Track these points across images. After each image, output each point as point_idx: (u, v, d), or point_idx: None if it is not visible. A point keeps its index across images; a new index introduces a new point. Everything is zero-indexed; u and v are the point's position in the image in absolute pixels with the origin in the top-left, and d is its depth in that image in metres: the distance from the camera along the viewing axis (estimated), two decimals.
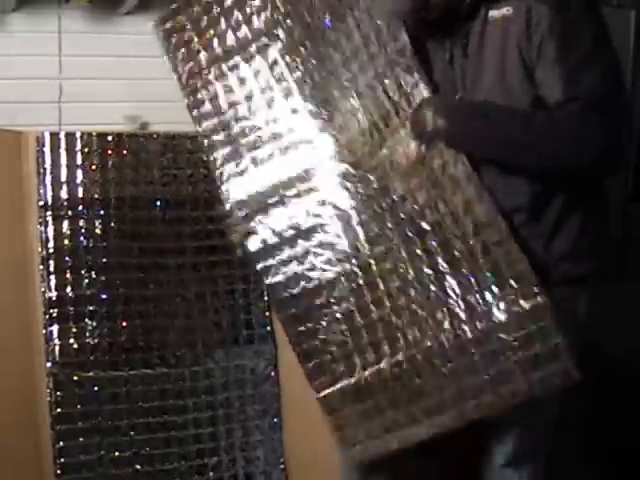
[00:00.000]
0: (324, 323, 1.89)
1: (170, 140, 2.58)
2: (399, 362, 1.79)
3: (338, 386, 1.88)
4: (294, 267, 1.92)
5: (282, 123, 1.94)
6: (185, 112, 2.24)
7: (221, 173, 2.01)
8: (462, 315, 1.71)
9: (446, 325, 1.73)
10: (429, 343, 1.75)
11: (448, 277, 1.72)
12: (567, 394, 1.80)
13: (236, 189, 1.99)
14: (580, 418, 2.61)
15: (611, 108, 1.63)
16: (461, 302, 1.71)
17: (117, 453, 2.39)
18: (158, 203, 2.54)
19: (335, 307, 1.87)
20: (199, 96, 2.04)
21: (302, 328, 1.92)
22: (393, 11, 1.74)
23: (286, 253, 1.93)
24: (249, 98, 1.99)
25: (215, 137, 2.03)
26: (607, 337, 2.71)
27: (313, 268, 1.90)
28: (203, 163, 2.57)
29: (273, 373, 2.57)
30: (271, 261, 1.95)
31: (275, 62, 1.95)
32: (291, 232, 1.92)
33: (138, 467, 2.40)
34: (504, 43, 1.69)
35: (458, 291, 1.71)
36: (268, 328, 2.59)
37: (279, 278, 1.94)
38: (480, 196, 1.68)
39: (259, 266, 1.97)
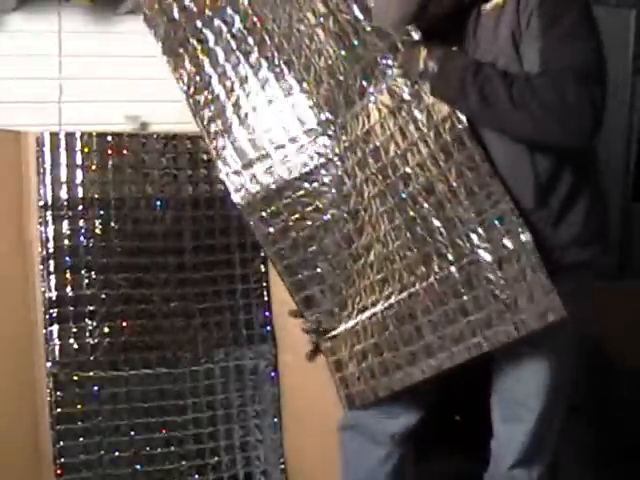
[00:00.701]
0: (319, 270, 1.94)
1: (170, 140, 2.58)
2: (392, 305, 1.83)
3: (338, 330, 1.93)
4: (284, 218, 1.95)
5: (261, 77, 1.96)
6: (185, 112, 2.24)
7: (208, 132, 2.03)
8: (450, 257, 1.73)
9: (435, 267, 1.75)
10: (419, 286, 1.78)
11: (434, 219, 1.73)
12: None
13: (224, 146, 2.01)
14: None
15: (591, 81, 1.61)
16: (448, 243, 1.72)
17: (117, 453, 2.39)
18: (158, 203, 2.54)
19: (328, 255, 1.92)
20: (179, 55, 2.05)
21: (299, 277, 1.96)
22: (395, 20, 1.73)
23: (276, 205, 1.95)
24: (227, 53, 2.00)
25: (198, 96, 2.04)
26: (608, 335, 2.72)
27: (303, 218, 1.93)
28: (203, 163, 2.57)
29: (273, 373, 2.57)
30: (262, 214, 1.97)
31: (246, 12, 1.96)
32: (279, 184, 1.94)
33: (138, 467, 2.41)
34: (495, 33, 1.69)
35: (444, 233, 1.72)
36: (268, 328, 2.58)
37: (271, 230, 1.97)
38: (462, 138, 1.69)
39: (251, 220, 1.99)
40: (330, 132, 1.86)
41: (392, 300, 1.83)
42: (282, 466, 2.55)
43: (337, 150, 1.86)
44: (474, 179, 1.68)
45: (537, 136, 1.65)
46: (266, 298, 2.59)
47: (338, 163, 1.86)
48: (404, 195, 1.76)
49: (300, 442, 2.53)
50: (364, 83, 1.79)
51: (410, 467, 2.04)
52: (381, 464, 1.99)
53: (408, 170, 1.75)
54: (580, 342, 1.73)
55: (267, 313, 2.59)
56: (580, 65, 1.61)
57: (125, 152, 2.51)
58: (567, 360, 1.86)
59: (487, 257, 1.68)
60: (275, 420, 2.56)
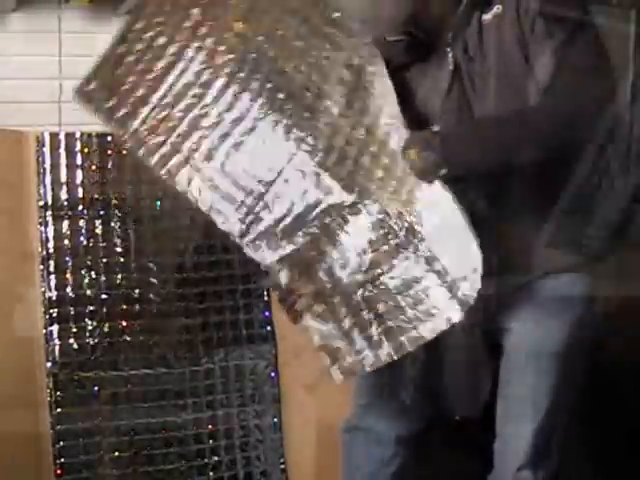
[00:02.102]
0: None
1: None
2: None
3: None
4: None
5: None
6: None
7: None
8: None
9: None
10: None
11: None
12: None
13: None
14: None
15: (603, 72, 1.64)
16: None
17: (117, 453, 2.39)
18: (158, 203, 2.54)
19: None
20: None
21: None
22: (384, 21, 1.73)
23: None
24: None
25: None
26: (608, 336, 2.72)
27: None
28: None
29: (273, 373, 2.57)
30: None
31: None
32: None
33: (138, 467, 2.41)
34: (500, 43, 1.68)
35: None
36: (268, 328, 2.58)
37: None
38: None
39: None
40: None
41: None
42: (282, 466, 2.55)
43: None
44: None
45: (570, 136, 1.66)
46: (266, 298, 2.59)
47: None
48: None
49: (300, 442, 2.53)
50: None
51: (412, 468, 2.04)
52: (385, 465, 1.98)
53: None
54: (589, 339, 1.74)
55: (267, 313, 2.59)
56: (587, 63, 1.63)
57: (125, 152, 2.52)
58: (576, 356, 1.85)
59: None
60: (275, 420, 2.55)
